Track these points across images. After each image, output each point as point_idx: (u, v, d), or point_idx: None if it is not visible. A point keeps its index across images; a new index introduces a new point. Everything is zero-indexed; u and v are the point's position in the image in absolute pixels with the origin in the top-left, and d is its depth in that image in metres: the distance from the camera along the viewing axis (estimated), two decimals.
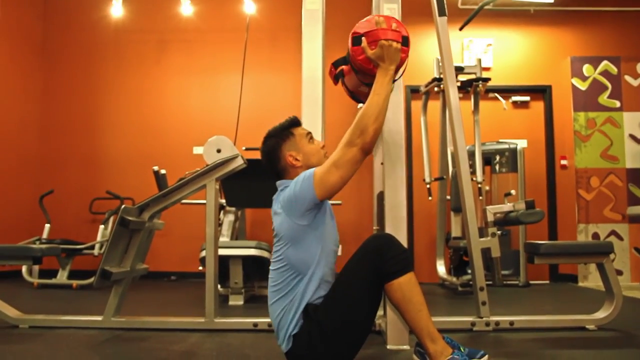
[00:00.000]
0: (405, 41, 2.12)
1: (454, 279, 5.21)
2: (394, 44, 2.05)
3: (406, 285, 1.94)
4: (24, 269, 5.48)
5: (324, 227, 2.03)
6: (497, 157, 5.87)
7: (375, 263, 1.95)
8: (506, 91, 6.36)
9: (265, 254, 4.11)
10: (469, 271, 5.20)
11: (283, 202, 2.04)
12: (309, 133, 2.21)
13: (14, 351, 2.55)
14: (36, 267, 5.55)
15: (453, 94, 3.22)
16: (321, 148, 2.20)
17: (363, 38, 2.08)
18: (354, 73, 2.21)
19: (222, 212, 4.85)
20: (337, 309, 1.96)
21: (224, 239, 4.64)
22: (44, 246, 3.37)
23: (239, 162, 2.77)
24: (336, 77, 2.18)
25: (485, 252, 3.23)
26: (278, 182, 2.14)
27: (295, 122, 2.22)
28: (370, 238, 2.04)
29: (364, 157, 1.98)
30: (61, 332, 2.99)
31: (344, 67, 2.22)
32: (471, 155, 4.04)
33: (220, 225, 4.72)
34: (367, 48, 2.07)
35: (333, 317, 1.95)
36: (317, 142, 2.21)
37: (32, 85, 6.67)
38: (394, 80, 2.41)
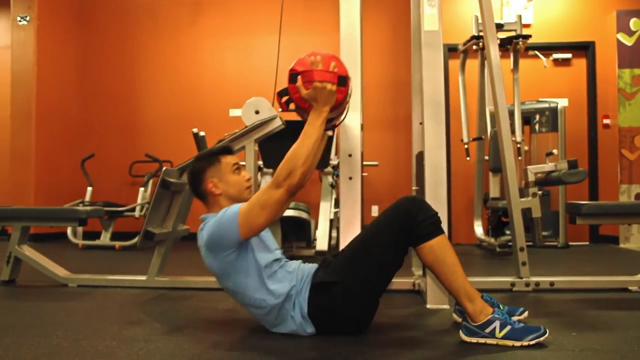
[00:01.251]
0: (343, 81, 2.05)
1: (492, 240, 5.18)
2: (328, 86, 1.99)
3: (438, 247, 1.95)
4: (68, 230, 5.65)
5: (253, 258, 2.02)
6: (537, 117, 5.73)
7: (404, 226, 1.96)
8: (547, 48, 6.16)
9: (303, 214, 4.14)
10: (507, 232, 5.17)
11: (206, 240, 2.01)
12: (237, 164, 2.19)
13: (66, 308, 2.65)
14: (80, 229, 5.71)
15: (494, 51, 3.15)
16: (246, 181, 2.18)
17: (299, 77, 2.03)
18: (296, 107, 2.18)
19: (259, 174, 4.89)
20: (361, 267, 1.99)
21: None
22: (88, 208, 3.46)
23: (277, 123, 2.77)
24: (287, 104, 2.15)
25: (525, 212, 3.19)
26: (201, 217, 2.12)
27: (226, 150, 2.23)
28: (400, 201, 2.03)
29: (290, 198, 1.95)
30: (108, 291, 3.09)
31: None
32: (510, 114, 3.95)
33: (258, 187, 4.76)
34: (301, 87, 2.03)
35: (357, 274, 1.98)
36: (242, 174, 2.19)
37: (70, 53, 6.75)
38: (335, 126, 2.39)
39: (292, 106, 2.14)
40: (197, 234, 2.10)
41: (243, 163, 2.51)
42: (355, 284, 1.98)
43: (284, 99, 2.12)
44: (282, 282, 2.02)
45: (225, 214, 1.96)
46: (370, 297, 2.03)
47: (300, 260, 2.18)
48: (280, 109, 2.18)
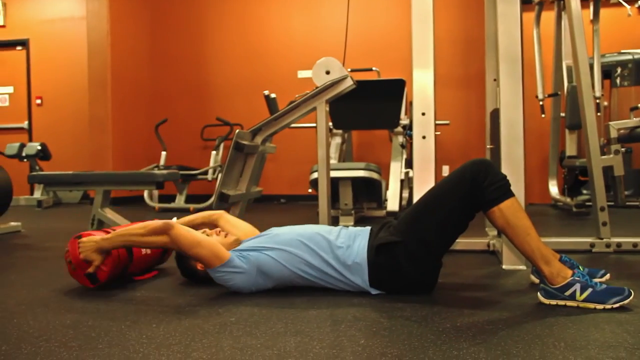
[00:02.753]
0: (94, 279, 2.19)
1: (568, 200, 5.02)
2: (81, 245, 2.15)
3: (508, 210, 1.91)
4: (145, 193, 5.88)
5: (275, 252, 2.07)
6: (619, 70, 5.42)
7: (471, 191, 1.93)
8: None
9: (374, 175, 4.13)
10: (584, 192, 4.98)
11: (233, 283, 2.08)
12: (203, 232, 2.23)
13: None
14: (156, 192, 5.93)
15: (574, 0, 2.98)
16: (217, 234, 2.25)
17: (73, 266, 2.19)
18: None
19: (330, 134, 4.89)
20: (424, 229, 1.98)
21: (332, 161, 4.70)
22: (165, 172, 3.57)
23: (348, 83, 2.75)
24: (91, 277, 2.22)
25: (606, 170, 3.06)
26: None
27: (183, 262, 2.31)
28: (467, 164, 1.99)
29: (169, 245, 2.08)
30: None
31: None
32: (589, 68, 3.75)
33: (328, 147, 4.77)
34: (80, 266, 2.16)
35: (419, 235, 1.98)
36: (211, 234, 2.26)
37: (142, 21, 6.91)
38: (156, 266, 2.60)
39: (100, 276, 2.21)
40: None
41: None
42: (417, 244, 1.97)
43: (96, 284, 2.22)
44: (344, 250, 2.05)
45: (216, 276, 2.07)
46: (432, 257, 2.03)
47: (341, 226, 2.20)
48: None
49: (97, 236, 2.17)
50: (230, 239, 2.24)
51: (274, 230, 2.21)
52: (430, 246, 2.00)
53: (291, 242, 2.07)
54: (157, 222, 2.05)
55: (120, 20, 6.49)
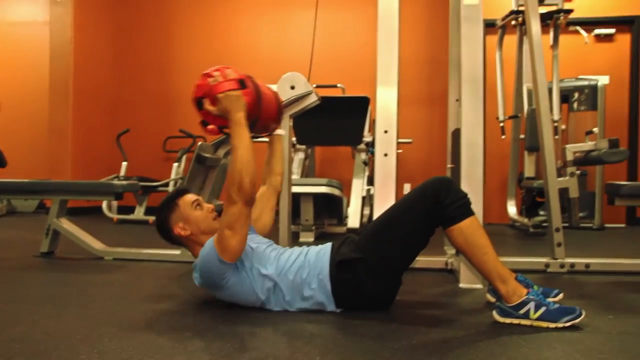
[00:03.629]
0: (242, 84, 2.03)
1: (526, 220, 5.11)
2: (231, 93, 1.98)
3: (468, 229, 1.93)
4: (104, 204, 5.77)
5: (249, 261, 2.01)
6: (576, 95, 5.58)
7: (432, 208, 1.95)
8: (589, 23, 5.97)
9: (336, 191, 4.14)
10: (542, 212, 5.09)
11: (202, 284, 2.04)
12: (196, 200, 2.17)
13: (102, 280, 2.71)
14: (115, 203, 5.82)
15: (535, 25, 3.07)
16: (210, 212, 2.17)
17: (204, 100, 2.03)
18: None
19: (292, 150, 4.89)
20: (385, 245, 1.98)
21: (295, 176, 4.69)
22: (124, 182, 3.52)
23: (313, 99, 2.75)
24: (219, 129, 2.12)
25: (561, 192, 3.13)
26: (193, 265, 2.11)
27: (180, 193, 2.21)
28: (428, 182, 2.01)
29: (251, 208, 1.95)
30: (143, 264, 3.15)
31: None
32: (548, 92, 3.86)
33: (291, 163, 4.77)
34: (210, 107, 2.02)
35: (380, 251, 1.98)
36: (205, 207, 2.17)
37: (107, 28, 6.82)
38: (272, 133, 2.39)
39: (226, 130, 2.13)
40: (194, 281, 2.11)
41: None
42: (378, 261, 1.98)
43: (209, 126, 2.12)
44: (280, 264, 2.03)
45: (204, 253, 1.98)
46: (392, 274, 2.03)
47: (298, 247, 2.18)
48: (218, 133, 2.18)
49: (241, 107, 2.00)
50: (216, 225, 2.10)
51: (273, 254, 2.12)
52: (391, 263, 2.01)
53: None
54: (249, 186, 1.91)
55: (85, 26, 6.40)
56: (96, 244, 3.40)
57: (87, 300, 2.23)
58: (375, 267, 1.97)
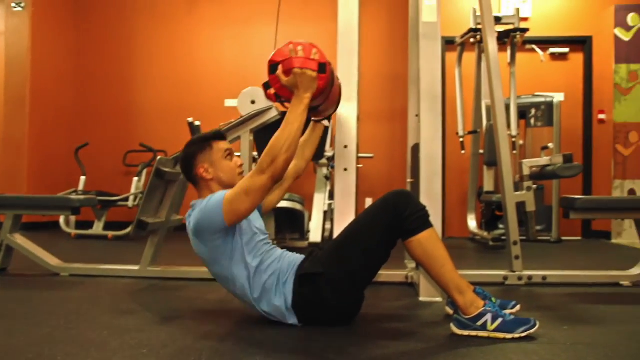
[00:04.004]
0: (323, 68, 2.04)
1: (485, 234, 5.19)
2: (308, 72, 1.99)
3: (427, 241, 1.96)
4: (61, 219, 5.63)
5: (239, 241, 2.01)
6: (533, 111, 5.73)
7: (392, 221, 1.97)
8: (544, 42, 6.15)
9: (297, 206, 4.14)
10: (501, 226, 5.18)
11: (192, 227, 2.03)
12: (229, 149, 2.18)
13: (58, 297, 2.64)
14: (73, 218, 5.69)
15: (492, 44, 3.14)
16: (238, 167, 2.17)
17: (279, 65, 2.03)
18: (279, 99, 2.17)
19: (254, 164, 4.88)
20: (347, 259, 1.99)
21: None
22: (81, 197, 3.45)
23: (273, 114, 2.76)
24: (276, 96, 2.14)
25: (519, 206, 3.19)
26: (191, 203, 2.12)
27: (218, 136, 2.20)
28: (388, 195, 2.03)
29: (273, 184, 1.95)
30: (100, 280, 3.08)
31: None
32: (506, 108, 3.96)
33: None
34: (282, 76, 2.03)
35: (342, 266, 1.98)
36: (235, 161, 2.18)
37: (66, 40, 6.69)
38: (325, 119, 2.41)
39: (286, 104, 2.12)
40: (186, 219, 2.10)
41: (238, 154, 2.49)
42: (340, 275, 1.98)
43: (270, 91, 2.11)
44: (272, 263, 2.03)
45: (211, 201, 1.96)
46: (355, 289, 2.04)
47: (284, 250, 2.17)
48: (273, 99, 2.17)
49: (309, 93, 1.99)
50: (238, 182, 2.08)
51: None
52: (353, 277, 2.01)
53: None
54: (282, 163, 1.90)
55: (43, 38, 6.27)
56: (52, 260, 3.31)
57: (40, 318, 2.17)
58: (338, 282, 1.97)
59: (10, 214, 3.31)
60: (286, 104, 2.12)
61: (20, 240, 3.33)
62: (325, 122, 2.41)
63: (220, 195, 1.95)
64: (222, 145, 2.17)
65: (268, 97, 2.15)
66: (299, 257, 2.10)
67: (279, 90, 2.09)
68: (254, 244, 2.04)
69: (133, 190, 5.65)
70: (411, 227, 1.96)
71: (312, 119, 2.38)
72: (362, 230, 2.04)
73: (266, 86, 2.11)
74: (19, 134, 6.04)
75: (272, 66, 2.04)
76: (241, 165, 2.19)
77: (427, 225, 1.98)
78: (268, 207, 2.34)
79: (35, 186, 6.09)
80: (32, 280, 3.12)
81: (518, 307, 2.27)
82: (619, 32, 5.71)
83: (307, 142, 2.41)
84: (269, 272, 2.01)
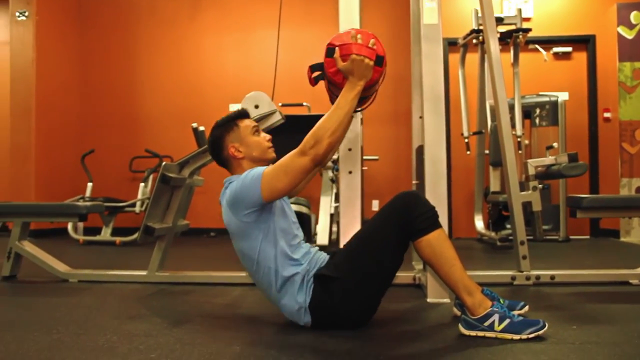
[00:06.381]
0: (380, 61, 2.05)
1: (493, 234, 5.18)
2: (366, 60, 2.00)
3: (435, 241, 1.96)
4: (69, 226, 5.66)
5: (273, 222, 2.03)
6: (537, 111, 5.72)
7: (402, 221, 1.97)
8: (547, 42, 6.14)
9: (303, 209, 4.15)
10: (508, 226, 5.17)
11: (228, 198, 2.04)
12: (255, 126, 2.20)
13: (66, 303, 2.65)
14: (81, 225, 5.72)
15: (493, 44, 3.14)
16: (267, 141, 2.19)
17: (337, 49, 2.03)
18: (328, 84, 2.17)
19: None
20: (360, 264, 1.99)
21: None
22: (88, 204, 3.46)
23: (277, 118, 2.77)
24: (316, 80, 2.14)
25: (526, 206, 3.19)
26: (225, 179, 2.14)
27: (242, 114, 2.22)
28: (397, 196, 2.04)
29: (314, 167, 1.96)
30: (108, 286, 3.09)
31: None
32: (510, 108, 3.96)
33: None
34: (338, 59, 2.03)
35: (356, 271, 1.98)
36: (262, 136, 2.19)
37: (70, 48, 6.74)
38: (360, 110, 2.41)
39: (321, 83, 2.13)
40: (221, 193, 2.12)
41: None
42: (354, 281, 1.98)
43: (315, 74, 2.12)
44: (301, 258, 2.04)
45: (249, 174, 1.98)
46: (369, 295, 2.03)
47: (315, 247, 2.17)
48: (311, 82, 2.17)
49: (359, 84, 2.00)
50: (270, 156, 2.14)
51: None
52: (366, 284, 2.00)
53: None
54: (326, 147, 1.91)
55: (48, 46, 6.31)
56: (60, 266, 3.33)
57: (50, 324, 2.18)
58: (350, 288, 1.97)
59: (19, 221, 3.33)
60: (332, 89, 2.11)
61: (28, 247, 3.35)
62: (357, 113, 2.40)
63: (260, 170, 1.96)
64: (248, 122, 2.20)
65: (311, 81, 2.14)
66: (326, 257, 2.12)
67: (333, 74, 2.08)
68: (290, 233, 2.06)
69: (140, 196, 5.68)
70: (420, 227, 1.96)
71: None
72: (373, 234, 2.04)
73: (315, 68, 2.10)
74: (26, 143, 6.08)
75: (330, 49, 2.05)
76: (270, 139, 2.20)
77: (436, 225, 1.98)
78: (295, 190, 2.36)
79: (43, 193, 6.12)
80: (41, 287, 3.14)
81: (527, 308, 2.27)
82: (622, 31, 5.69)
83: None
84: (297, 266, 2.02)
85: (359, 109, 2.36)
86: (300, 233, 2.16)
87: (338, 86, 2.08)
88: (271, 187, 1.92)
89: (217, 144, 2.17)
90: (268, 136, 2.21)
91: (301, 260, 2.03)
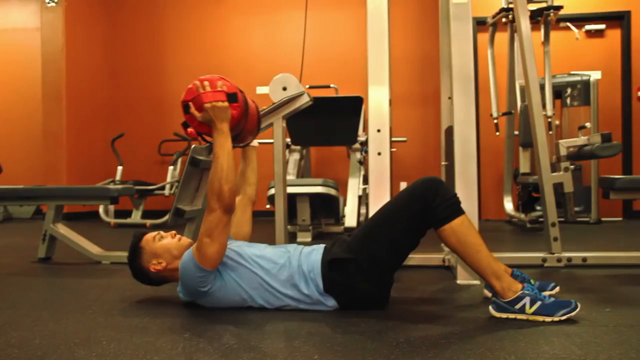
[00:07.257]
0: (233, 97, 2.07)
1: (522, 216, 5.13)
2: (219, 104, 2.01)
3: (459, 228, 1.94)
4: (101, 209, 5.76)
5: (236, 263, 2.05)
6: (569, 90, 5.60)
7: (420, 210, 1.96)
8: (579, 19, 5.99)
9: (332, 191, 4.15)
10: (538, 207, 5.11)
11: (187, 294, 2.07)
12: (156, 234, 2.19)
13: (100, 284, 2.70)
14: (112, 208, 5.82)
15: (524, 23, 3.08)
16: (172, 237, 2.18)
17: (190, 104, 2.06)
18: (198, 135, 2.20)
19: (287, 150, 4.89)
20: (374, 248, 1.99)
21: (290, 177, 4.70)
22: (119, 187, 3.52)
23: (305, 100, 2.76)
24: (199, 134, 2.17)
25: (557, 187, 3.14)
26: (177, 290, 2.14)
27: (138, 237, 2.20)
28: (417, 183, 2.02)
29: (229, 215, 1.97)
30: None
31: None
32: (541, 88, 3.89)
33: (286, 163, 4.78)
34: (195, 113, 2.05)
35: (370, 253, 1.99)
36: (166, 235, 2.18)
37: (99, 33, 6.81)
38: (247, 144, 2.43)
39: (208, 138, 2.17)
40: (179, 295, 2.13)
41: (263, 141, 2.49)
42: (369, 261, 1.98)
43: (189, 129, 2.15)
44: (283, 262, 2.05)
45: (183, 264, 2.00)
46: (382, 274, 2.04)
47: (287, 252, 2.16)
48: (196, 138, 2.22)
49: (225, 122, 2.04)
50: (185, 243, 2.16)
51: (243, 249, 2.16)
52: (382, 263, 2.01)
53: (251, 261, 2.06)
54: (228, 194, 1.94)
55: (77, 32, 6.38)
56: (93, 249, 3.40)
57: (84, 304, 2.23)
58: (367, 268, 1.98)
59: (52, 204, 3.40)
60: (208, 138, 2.17)
61: (62, 229, 3.42)
62: (254, 143, 2.47)
63: (188, 253, 2.00)
64: (148, 237, 2.19)
65: (189, 135, 2.19)
66: (318, 247, 2.12)
67: (198, 127, 2.13)
68: (264, 257, 2.07)
69: (169, 179, 5.75)
70: (442, 216, 1.94)
71: (238, 145, 2.39)
72: (390, 218, 2.04)
73: (185, 125, 2.15)
74: (57, 127, 6.19)
75: (185, 106, 2.09)
76: (175, 234, 2.20)
77: (459, 212, 1.97)
78: (244, 237, 2.37)
79: (75, 177, 6.24)
80: (75, 269, 3.21)
81: (557, 289, 2.24)
82: None
83: (246, 168, 2.48)
84: (283, 269, 2.03)
85: (249, 140, 2.40)
86: (268, 247, 2.17)
87: (209, 134, 2.12)
88: (206, 256, 1.94)
89: (140, 273, 2.18)
90: (172, 232, 2.20)
91: (285, 263, 2.04)
